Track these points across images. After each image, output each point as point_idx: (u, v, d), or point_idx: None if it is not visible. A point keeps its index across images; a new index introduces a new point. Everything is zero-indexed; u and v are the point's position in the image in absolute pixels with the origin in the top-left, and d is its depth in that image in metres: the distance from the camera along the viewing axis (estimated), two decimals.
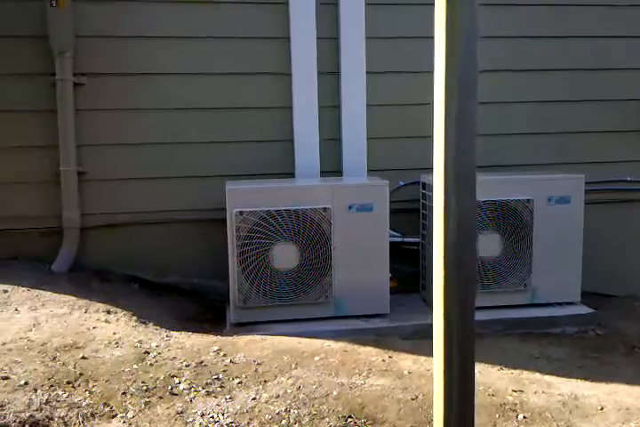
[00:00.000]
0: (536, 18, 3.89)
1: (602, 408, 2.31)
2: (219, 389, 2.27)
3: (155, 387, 2.24)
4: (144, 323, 2.86)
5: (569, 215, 3.45)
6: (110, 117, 3.59)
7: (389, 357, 2.69)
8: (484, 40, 3.45)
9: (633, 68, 4.00)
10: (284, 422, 2.08)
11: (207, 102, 3.65)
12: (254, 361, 2.51)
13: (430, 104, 1.43)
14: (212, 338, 2.78)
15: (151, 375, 2.32)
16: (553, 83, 3.95)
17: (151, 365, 2.40)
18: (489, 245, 3.38)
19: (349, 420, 2.12)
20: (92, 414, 2.06)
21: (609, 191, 4.04)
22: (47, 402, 2.09)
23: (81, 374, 2.28)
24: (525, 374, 2.59)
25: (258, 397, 2.23)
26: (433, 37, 1.38)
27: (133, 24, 3.54)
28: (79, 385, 2.21)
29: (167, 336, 2.71)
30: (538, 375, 2.58)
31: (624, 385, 2.54)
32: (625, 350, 3.06)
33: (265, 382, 2.35)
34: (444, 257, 1.48)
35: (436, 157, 1.44)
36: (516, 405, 2.27)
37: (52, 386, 2.19)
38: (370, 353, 2.72)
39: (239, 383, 2.32)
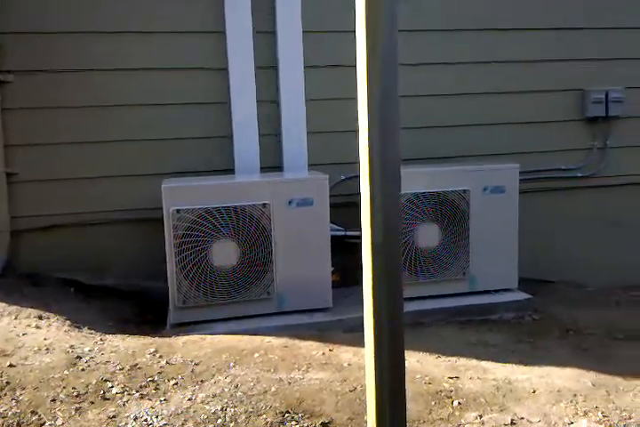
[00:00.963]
0: (464, 9, 3.95)
1: (534, 391, 2.38)
2: (153, 391, 2.23)
3: (86, 392, 2.18)
4: (78, 327, 2.78)
5: (504, 204, 3.54)
6: (40, 116, 3.47)
7: (330, 350, 2.70)
8: (407, 33, 3.54)
9: (562, 59, 4.12)
10: (219, 421, 2.06)
11: (143, 98, 3.57)
12: (191, 361, 2.48)
13: None
14: (148, 340, 2.73)
15: (82, 381, 2.25)
16: (486, 75, 4.02)
17: (83, 370, 2.33)
18: (428, 235, 3.43)
19: (287, 415, 2.11)
20: (19, 424, 1.98)
21: (544, 180, 4.16)
22: None
23: (7, 382, 2.20)
24: (462, 360, 2.64)
25: (194, 397, 2.20)
26: None
27: (61, 19, 3.42)
28: (5, 394, 2.13)
29: (101, 340, 2.64)
30: (474, 362, 2.63)
31: (556, 368, 2.62)
32: (559, 333, 3.16)
33: (202, 381, 2.32)
34: (372, 249, 1.49)
35: (362, 150, 1.45)
36: (451, 391, 2.31)
37: None
38: (310, 347, 2.72)
39: (175, 384, 2.28)
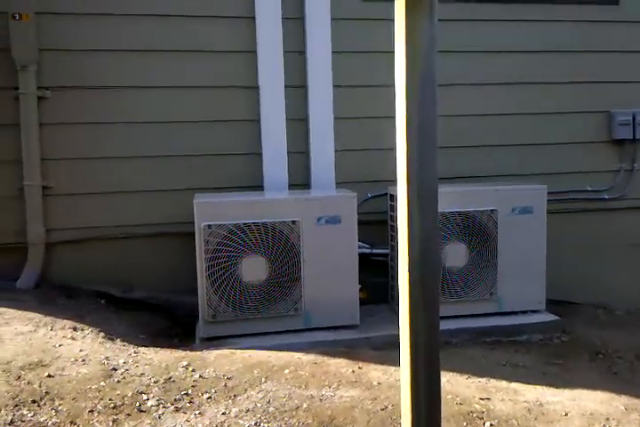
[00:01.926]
0: (496, 32, 4.01)
1: (566, 414, 2.37)
2: (188, 404, 2.26)
3: (122, 404, 2.21)
4: (111, 339, 2.83)
5: (532, 225, 3.54)
6: (74, 131, 3.57)
7: (359, 368, 2.71)
8: (443, 55, 3.59)
9: (591, 81, 4.14)
10: None
11: (173, 116, 3.65)
12: (224, 375, 2.50)
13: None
14: (180, 353, 2.76)
15: (118, 392, 2.29)
16: (514, 96, 4.06)
17: (118, 382, 2.37)
18: (455, 255, 3.44)
19: None
20: None
21: (571, 201, 4.16)
22: (11, 422, 2.04)
23: (47, 392, 2.24)
24: (492, 382, 2.64)
25: (227, 411, 2.22)
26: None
27: (96, 37, 3.53)
28: (45, 404, 2.17)
29: (135, 352, 2.68)
30: (504, 383, 2.63)
31: (587, 391, 2.60)
32: (588, 356, 3.14)
33: (234, 396, 2.34)
34: (409, 268, 1.51)
35: (400, 169, 1.48)
36: (482, 413, 2.31)
37: (16, 405, 2.14)
38: (340, 365, 2.73)
39: (208, 398, 2.31)
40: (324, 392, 2.41)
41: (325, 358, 2.82)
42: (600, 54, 4.14)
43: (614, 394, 2.57)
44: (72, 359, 2.50)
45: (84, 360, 2.50)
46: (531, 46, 4.04)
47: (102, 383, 2.34)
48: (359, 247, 3.45)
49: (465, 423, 2.24)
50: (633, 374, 2.92)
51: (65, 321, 2.92)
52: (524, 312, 3.56)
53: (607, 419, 2.34)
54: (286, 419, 2.19)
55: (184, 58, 3.63)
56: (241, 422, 2.15)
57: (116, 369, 2.47)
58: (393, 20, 1.41)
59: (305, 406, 2.29)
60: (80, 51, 3.53)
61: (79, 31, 3.51)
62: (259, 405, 2.27)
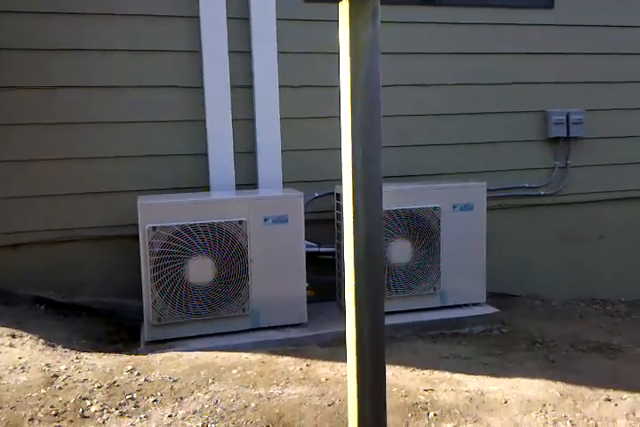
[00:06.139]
0: (436, 35, 4.11)
1: (506, 402, 2.46)
2: (133, 408, 2.23)
3: (64, 411, 2.16)
4: (52, 346, 2.75)
5: (473, 221, 3.66)
6: (13, 132, 3.44)
7: (307, 365, 2.74)
8: (386, 56, 3.66)
9: (527, 82, 4.31)
10: None
11: (117, 116, 3.57)
12: (170, 378, 2.48)
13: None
14: (125, 357, 2.72)
15: (60, 399, 2.23)
16: (456, 97, 4.17)
17: (60, 388, 2.31)
18: (400, 251, 3.52)
19: None
20: None
21: (510, 197, 4.31)
22: None
23: None
24: (436, 373, 2.72)
25: (174, 414, 2.20)
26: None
27: (35, 36, 3.42)
28: None
29: (77, 358, 2.62)
30: (447, 374, 2.71)
31: (525, 379, 2.71)
32: (526, 345, 3.27)
33: (181, 398, 2.33)
34: (354, 265, 1.54)
35: (345, 168, 1.52)
36: (427, 403, 2.38)
37: None
38: (288, 363, 2.75)
39: (154, 402, 2.29)
40: (272, 391, 2.43)
41: (274, 356, 2.83)
42: (536, 56, 4.31)
43: (551, 381, 2.69)
44: (10, 367, 2.42)
45: (23, 368, 2.43)
46: (470, 48, 4.16)
47: (43, 391, 2.28)
48: (307, 246, 3.48)
49: (410, 415, 2.30)
50: (568, 361, 3.06)
51: (2, 328, 2.82)
52: (466, 305, 3.68)
53: (544, 405, 2.44)
54: (234, 419, 2.19)
55: (126, 57, 3.56)
56: (188, 423, 2.14)
57: (57, 376, 2.41)
58: (337, 21, 1.45)
59: (253, 405, 2.30)
60: (16, 49, 3.40)
61: (17, 30, 3.39)
62: (206, 406, 2.27)
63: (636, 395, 2.55)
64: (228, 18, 3.65)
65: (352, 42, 1.46)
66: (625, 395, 2.55)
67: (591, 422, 2.33)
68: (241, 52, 3.73)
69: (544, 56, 4.32)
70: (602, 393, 2.57)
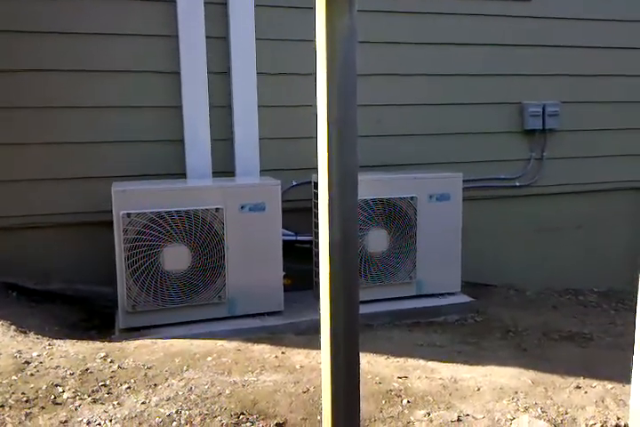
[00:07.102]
0: (415, 25, 4.10)
1: (478, 389, 2.49)
2: (106, 395, 2.20)
3: (36, 398, 2.13)
4: (24, 333, 2.71)
5: (449, 211, 3.68)
6: None
7: (282, 353, 2.74)
8: (366, 45, 3.65)
9: (503, 73, 4.33)
10: (174, 423, 2.06)
11: (92, 101, 3.51)
12: (144, 365, 2.46)
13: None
14: (98, 345, 2.69)
15: (32, 386, 2.20)
16: (433, 87, 4.18)
17: (32, 375, 2.28)
18: (377, 241, 3.53)
19: (242, 416, 2.14)
20: None
21: (486, 188, 4.35)
22: None
23: None
24: (410, 361, 2.74)
25: (147, 401, 2.19)
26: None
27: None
28: None
29: (49, 345, 2.58)
30: (422, 362, 2.73)
31: (498, 367, 2.75)
32: (500, 334, 3.32)
33: (155, 385, 2.31)
34: (329, 254, 1.54)
35: (320, 157, 1.51)
36: (401, 390, 2.40)
37: None
38: (263, 350, 2.75)
39: (128, 388, 2.27)
40: (246, 378, 2.42)
41: (249, 344, 2.83)
42: (513, 48, 4.33)
43: (523, 369, 2.73)
44: None
45: None
46: (448, 39, 4.17)
47: (14, 377, 2.25)
48: (284, 235, 3.47)
49: (384, 401, 2.32)
50: (541, 349, 3.11)
51: None
52: (441, 295, 3.71)
53: (515, 392, 2.48)
54: (208, 405, 2.19)
55: (101, 42, 3.49)
56: (162, 410, 2.13)
57: (29, 362, 2.37)
58: (314, 8, 1.43)
59: (227, 392, 2.29)
60: None
61: None
62: (180, 393, 2.26)
63: (606, 383, 2.60)
64: (205, 3, 3.60)
65: (328, 28, 1.44)
66: (595, 383, 2.60)
67: (561, 409, 2.37)
68: (218, 38, 3.68)
69: (521, 48, 4.34)
70: (572, 381, 2.61)
